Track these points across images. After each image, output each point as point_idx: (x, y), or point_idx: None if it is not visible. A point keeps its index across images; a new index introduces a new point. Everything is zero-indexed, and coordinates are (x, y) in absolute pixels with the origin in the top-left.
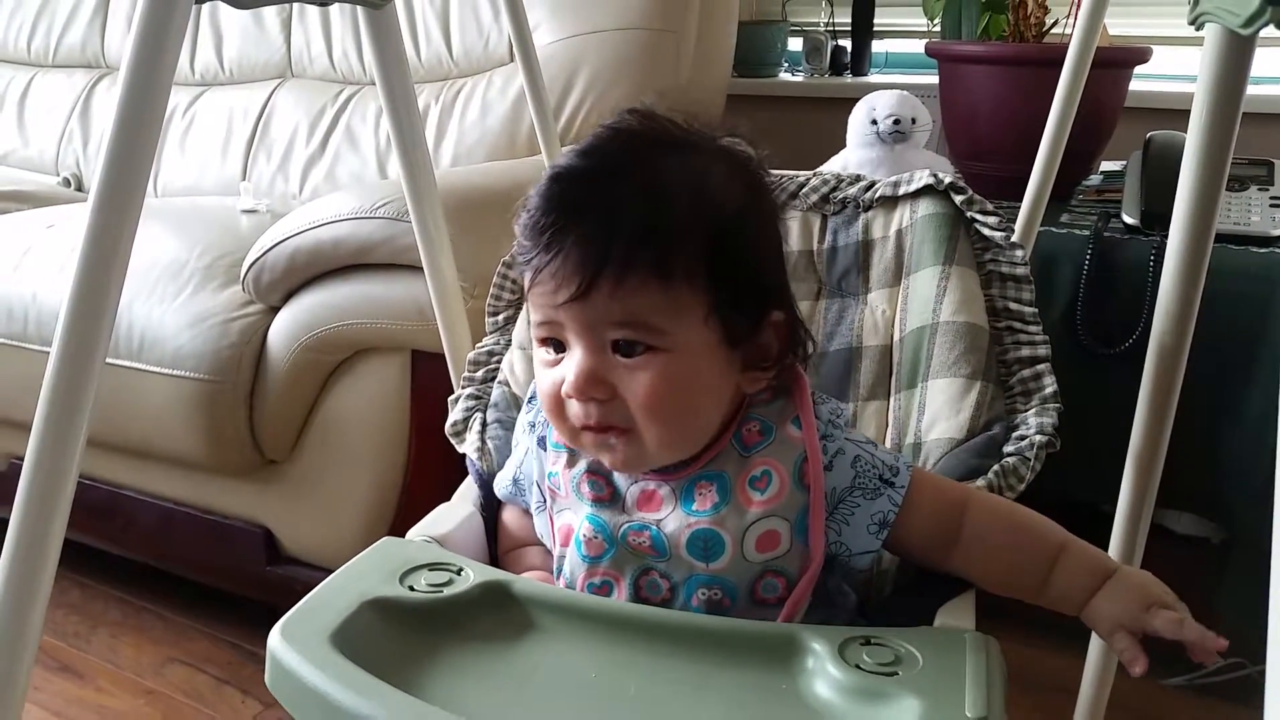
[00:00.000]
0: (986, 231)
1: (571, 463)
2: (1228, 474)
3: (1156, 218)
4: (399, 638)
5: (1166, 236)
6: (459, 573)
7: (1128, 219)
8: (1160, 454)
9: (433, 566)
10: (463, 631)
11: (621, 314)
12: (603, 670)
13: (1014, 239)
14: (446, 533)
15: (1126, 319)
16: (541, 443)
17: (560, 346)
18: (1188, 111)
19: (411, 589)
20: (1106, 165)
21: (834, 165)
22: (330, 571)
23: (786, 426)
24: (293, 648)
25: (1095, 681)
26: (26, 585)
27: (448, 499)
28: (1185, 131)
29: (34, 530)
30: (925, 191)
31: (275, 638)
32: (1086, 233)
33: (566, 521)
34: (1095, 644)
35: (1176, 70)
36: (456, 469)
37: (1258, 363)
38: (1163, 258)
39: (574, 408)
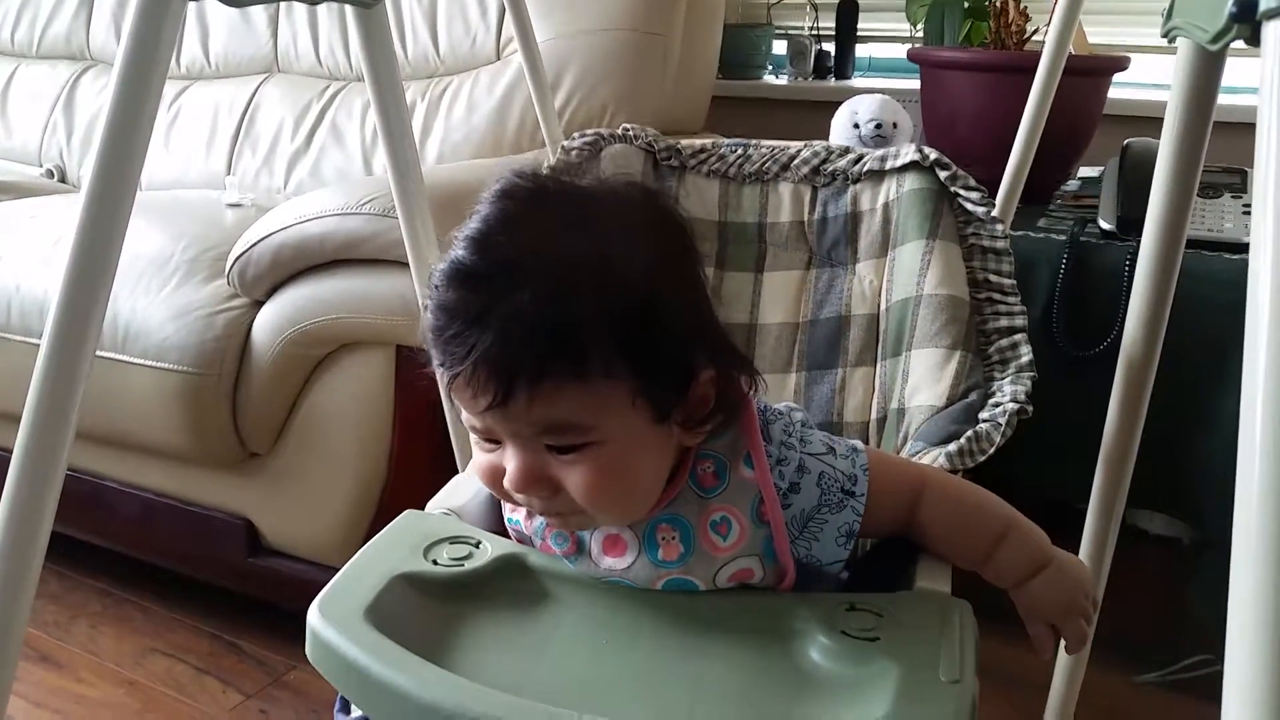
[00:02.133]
0: (969, 206)
1: (531, 513)
2: (1201, 476)
3: (1132, 223)
4: (425, 610)
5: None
6: (478, 546)
7: (1104, 224)
8: (1130, 455)
9: (453, 540)
10: (483, 602)
11: (543, 421)
12: (613, 637)
13: (994, 214)
14: (462, 505)
15: (1102, 322)
16: None
17: (496, 440)
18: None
19: (435, 562)
20: (1084, 171)
21: None
22: (311, 564)
23: (739, 467)
24: (330, 624)
25: (1066, 678)
26: (13, 577)
27: (429, 491)
28: (1155, 140)
29: (22, 524)
30: (911, 166)
31: (314, 614)
32: (1063, 237)
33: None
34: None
35: (1154, 78)
36: (439, 463)
37: (1230, 366)
38: (1137, 263)
39: (517, 495)
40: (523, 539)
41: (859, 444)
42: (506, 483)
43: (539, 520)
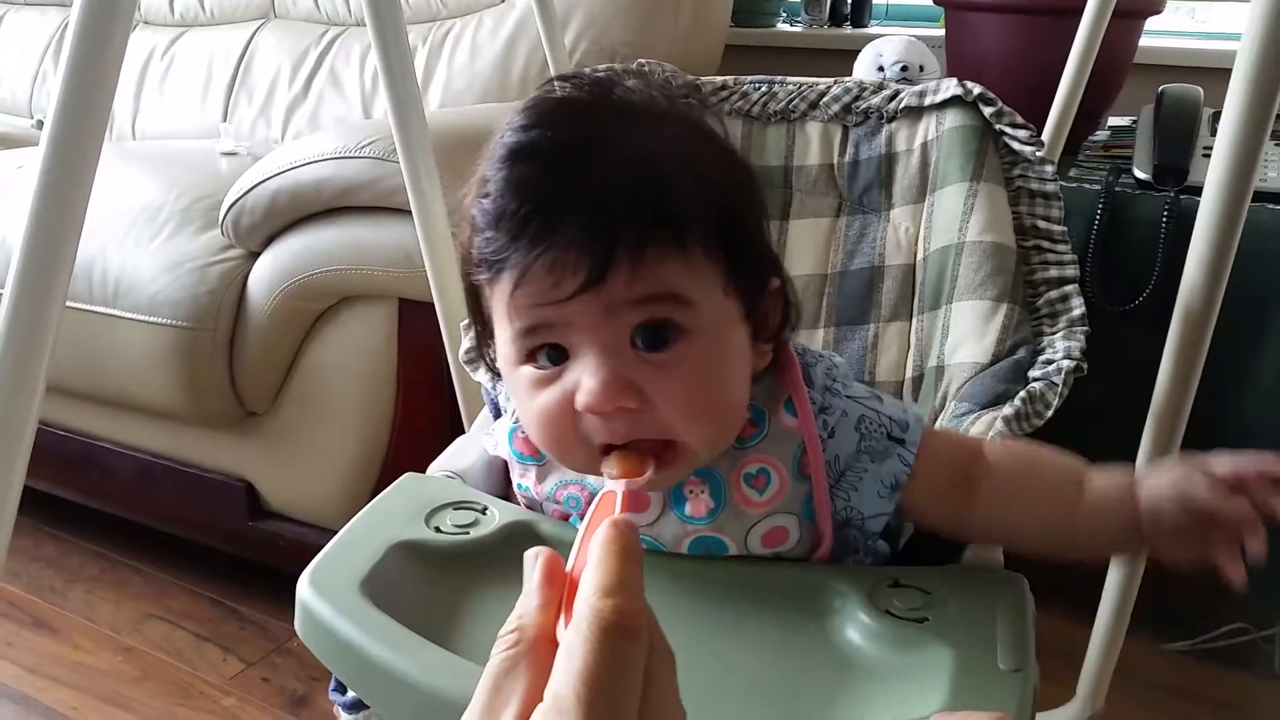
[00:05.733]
0: (1016, 145)
1: (542, 476)
2: (1238, 438)
3: (1170, 172)
4: (427, 581)
5: (1180, 192)
6: (484, 512)
7: (1139, 174)
8: (1184, 411)
9: (457, 505)
10: (490, 574)
11: (645, 291)
12: None
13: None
14: (467, 467)
15: (1137, 276)
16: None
17: (559, 355)
18: (1190, 69)
19: (438, 530)
20: (1113, 120)
21: None
22: (313, 527)
23: (780, 414)
24: (323, 598)
25: (1104, 646)
26: None
27: (435, 452)
28: (1192, 86)
29: None
30: (952, 102)
31: (304, 586)
32: (1097, 187)
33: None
34: (1104, 608)
35: (1176, 28)
36: (445, 421)
37: (1270, 325)
38: (1176, 214)
39: (591, 425)
40: (532, 506)
41: (912, 404)
42: (585, 398)
43: (551, 483)
